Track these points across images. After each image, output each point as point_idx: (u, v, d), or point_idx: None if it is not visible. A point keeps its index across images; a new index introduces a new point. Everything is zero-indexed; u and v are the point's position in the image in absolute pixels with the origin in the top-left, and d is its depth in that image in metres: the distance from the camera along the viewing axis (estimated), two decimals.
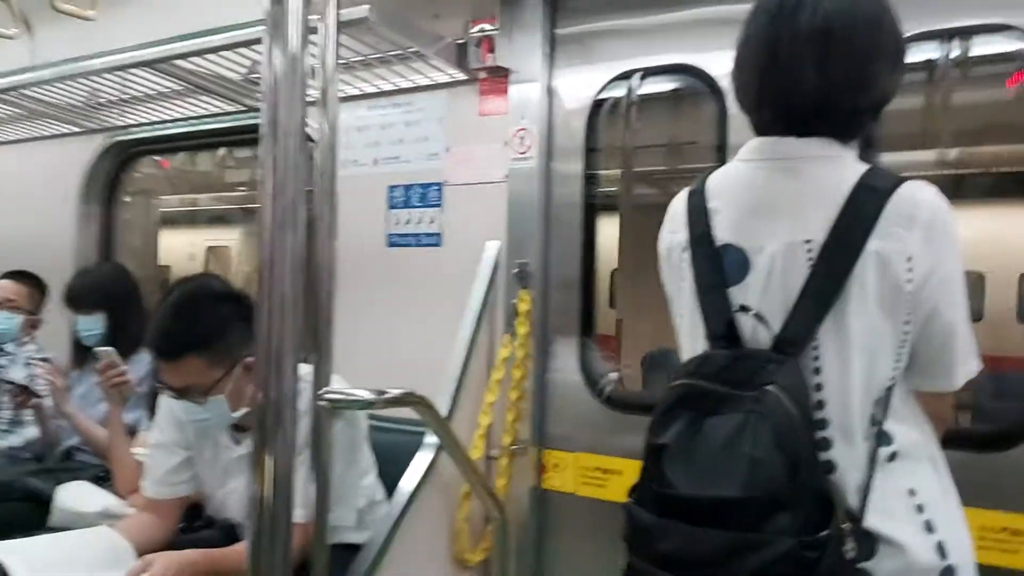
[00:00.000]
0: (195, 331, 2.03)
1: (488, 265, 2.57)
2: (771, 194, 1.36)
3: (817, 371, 1.30)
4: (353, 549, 2.15)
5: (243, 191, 5.17)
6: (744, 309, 1.34)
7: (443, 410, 2.32)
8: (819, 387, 1.29)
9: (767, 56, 1.36)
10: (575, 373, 2.49)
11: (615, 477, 2.37)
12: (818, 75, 1.31)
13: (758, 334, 1.34)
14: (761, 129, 1.42)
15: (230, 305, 2.10)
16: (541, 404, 2.53)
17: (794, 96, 1.34)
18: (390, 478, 2.33)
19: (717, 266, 1.38)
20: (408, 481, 2.25)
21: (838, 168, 1.33)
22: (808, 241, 1.30)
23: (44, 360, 3.25)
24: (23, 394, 3.03)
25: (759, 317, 1.33)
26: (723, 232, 1.39)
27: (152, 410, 2.51)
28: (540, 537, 2.51)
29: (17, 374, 3.18)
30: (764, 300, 1.33)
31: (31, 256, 3.82)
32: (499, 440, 2.50)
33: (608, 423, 2.42)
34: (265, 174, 1.11)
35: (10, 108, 3.63)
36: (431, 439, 2.30)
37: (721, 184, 1.43)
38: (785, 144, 1.37)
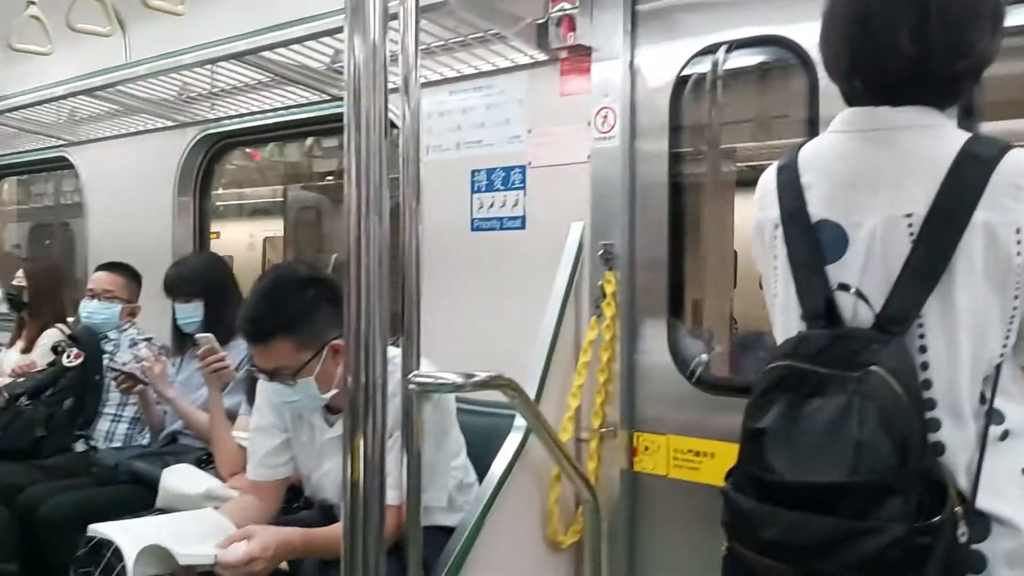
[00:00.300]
0: (282, 314, 2.08)
1: (573, 247, 2.55)
2: (868, 166, 1.31)
3: (923, 350, 1.25)
4: (445, 531, 2.18)
5: (331, 180, 5.26)
6: (844, 287, 1.30)
7: (531, 393, 2.32)
8: (925, 366, 1.25)
9: (858, 24, 1.32)
10: (664, 354, 2.45)
11: (709, 460, 2.33)
12: (913, 41, 1.26)
13: (859, 313, 1.30)
14: (853, 99, 1.37)
15: (316, 288, 2.14)
16: (630, 386, 2.50)
17: (889, 64, 1.30)
18: (478, 461, 2.35)
19: (813, 243, 1.34)
20: (498, 464, 2.25)
21: (938, 137, 1.28)
22: (909, 215, 1.25)
23: (147, 340, 3.39)
24: (128, 380, 3.15)
25: (860, 295, 1.28)
26: (818, 207, 1.34)
27: (251, 395, 2.59)
28: (632, 519, 2.49)
29: (122, 358, 3.32)
30: (864, 277, 1.29)
31: (133, 246, 3.99)
32: (588, 423, 2.49)
33: (700, 405, 2.38)
34: (349, 161, 1.12)
35: (107, 104, 3.77)
36: (520, 422, 2.31)
37: (814, 157, 1.39)
38: (880, 114, 1.32)
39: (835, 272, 1.32)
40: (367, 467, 1.11)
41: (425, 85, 2.77)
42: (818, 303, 1.32)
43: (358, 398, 1.11)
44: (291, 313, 2.09)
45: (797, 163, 1.39)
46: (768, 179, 1.44)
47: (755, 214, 1.47)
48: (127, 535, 2.01)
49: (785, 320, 1.40)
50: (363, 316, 1.10)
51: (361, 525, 1.11)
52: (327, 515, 2.38)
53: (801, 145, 1.43)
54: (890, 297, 1.26)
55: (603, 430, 2.48)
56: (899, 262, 1.26)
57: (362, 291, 1.10)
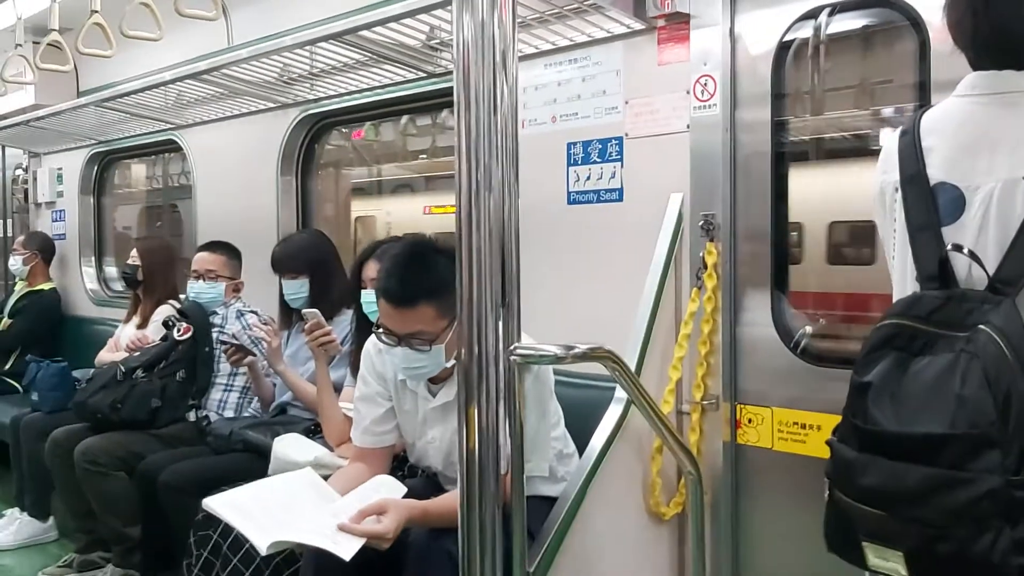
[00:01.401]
0: (430, 279, 2.11)
1: (672, 218, 2.53)
2: (989, 130, 1.31)
3: None
4: (548, 501, 2.21)
5: (424, 159, 5.30)
6: (958, 248, 1.31)
7: (631, 365, 2.32)
8: None
9: None
10: (768, 327, 2.41)
11: (815, 432, 2.29)
12: None
13: (973, 274, 1.30)
14: (978, 64, 1.36)
15: (449, 259, 2.17)
16: (732, 358, 2.47)
17: (1012, 29, 1.30)
18: (576, 433, 2.37)
19: (930, 205, 1.34)
20: (599, 436, 2.27)
21: None
22: None
23: (253, 312, 3.51)
24: (238, 352, 3.27)
25: (974, 256, 1.29)
26: (937, 170, 1.35)
27: (355, 367, 2.66)
28: (735, 492, 2.48)
29: (231, 329, 3.45)
30: (980, 239, 1.30)
31: (239, 225, 4.12)
32: (689, 395, 2.48)
33: (806, 377, 2.34)
34: (459, 139, 1.14)
35: (212, 88, 3.89)
36: (620, 394, 2.31)
37: (936, 121, 1.38)
38: (1005, 77, 1.31)
39: (951, 234, 1.33)
40: (482, 436, 1.13)
41: (521, 59, 2.76)
42: (932, 264, 1.34)
43: (472, 369, 1.14)
44: (437, 279, 2.10)
45: (919, 128, 1.39)
46: (890, 143, 1.45)
47: (876, 178, 1.47)
48: (237, 512, 2.07)
49: (902, 281, 1.41)
50: (475, 289, 1.12)
51: (477, 492, 1.13)
52: (432, 482, 2.44)
53: (923, 111, 1.42)
54: (1005, 258, 1.27)
55: (705, 402, 2.46)
56: (1015, 224, 1.26)
57: (473, 265, 1.12)
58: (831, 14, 2.35)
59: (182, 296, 4.05)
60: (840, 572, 1.57)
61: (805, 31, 2.39)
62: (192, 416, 3.50)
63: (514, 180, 1.84)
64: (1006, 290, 1.26)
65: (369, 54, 3.18)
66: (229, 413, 3.51)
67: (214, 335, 3.54)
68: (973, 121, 1.34)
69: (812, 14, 2.37)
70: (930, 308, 1.30)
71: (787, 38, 2.41)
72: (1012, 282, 1.26)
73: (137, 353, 3.61)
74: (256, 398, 3.52)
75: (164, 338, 3.55)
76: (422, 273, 2.11)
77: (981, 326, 1.22)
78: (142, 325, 4.04)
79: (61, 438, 3.56)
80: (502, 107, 1.82)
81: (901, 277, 1.42)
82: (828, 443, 1.39)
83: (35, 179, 6.05)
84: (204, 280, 3.60)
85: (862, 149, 2.69)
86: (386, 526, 1.99)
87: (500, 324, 1.38)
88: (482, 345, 1.14)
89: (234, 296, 3.67)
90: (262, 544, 1.93)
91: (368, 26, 2.87)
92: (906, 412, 1.24)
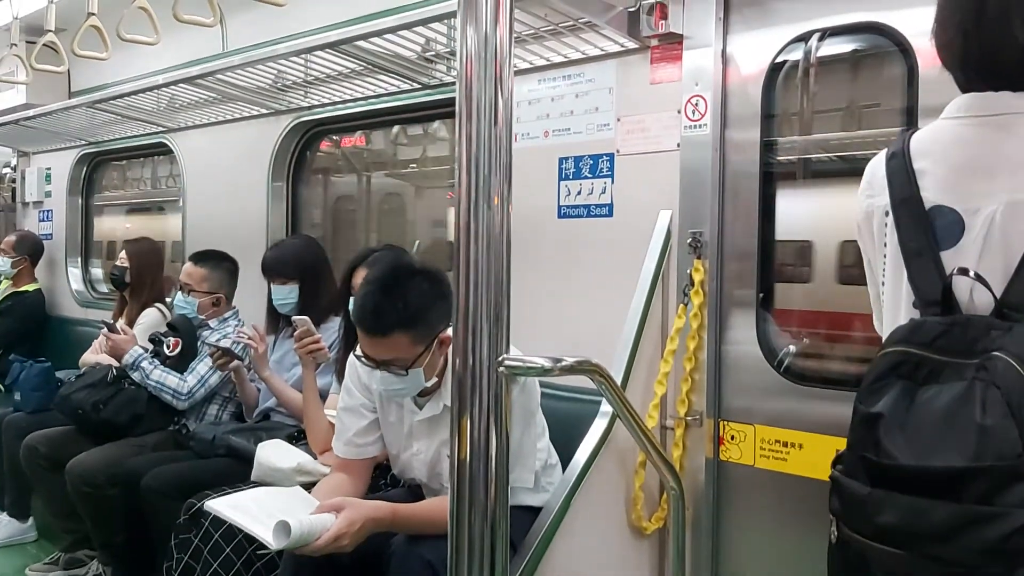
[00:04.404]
0: (404, 309, 2.12)
1: (661, 234, 2.56)
2: (986, 152, 1.31)
3: None
4: (531, 512, 2.22)
5: (414, 168, 5.31)
6: (963, 272, 1.28)
7: (616, 379, 2.33)
8: None
9: (972, 12, 1.31)
10: (752, 344, 2.44)
11: (796, 451, 2.32)
12: None
13: (975, 299, 1.28)
14: (968, 86, 1.36)
15: (431, 283, 2.19)
16: (716, 375, 2.49)
17: (1003, 52, 1.29)
18: (560, 445, 2.39)
19: (927, 229, 1.32)
20: (584, 449, 2.29)
21: None
22: None
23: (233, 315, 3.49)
24: (224, 356, 3.26)
25: (980, 279, 1.26)
26: (932, 193, 1.33)
27: (340, 375, 2.67)
28: (717, 508, 2.50)
29: (213, 337, 3.44)
30: (982, 263, 1.27)
31: (229, 230, 4.12)
32: (673, 410, 2.50)
33: (789, 395, 2.36)
34: (460, 150, 1.15)
35: (205, 92, 3.89)
36: (606, 408, 2.33)
37: (926, 144, 1.38)
38: (1001, 99, 1.31)
39: (950, 259, 1.30)
40: (473, 447, 1.15)
41: (516, 74, 2.79)
42: (934, 290, 1.30)
43: (466, 380, 1.15)
44: (411, 309, 2.13)
45: (908, 150, 1.38)
46: (877, 166, 1.44)
47: (862, 202, 1.46)
48: (242, 513, 2.08)
49: (894, 308, 1.39)
50: (471, 301, 1.14)
51: (467, 502, 1.15)
52: (415, 494, 2.45)
53: (910, 133, 1.41)
54: (1011, 282, 1.24)
55: (689, 418, 2.49)
56: (1020, 247, 1.24)
57: (470, 276, 1.13)
58: (821, 38, 2.39)
59: (168, 300, 4.05)
60: None
61: (796, 54, 2.43)
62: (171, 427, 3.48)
63: (508, 192, 1.87)
64: (1014, 315, 1.22)
65: (365, 64, 3.20)
66: (207, 422, 3.49)
67: (198, 345, 3.52)
68: (967, 143, 1.33)
69: (803, 38, 2.41)
70: (934, 335, 1.26)
71: (778, 60, 2.44)
72: (1021, 307, 1.23)
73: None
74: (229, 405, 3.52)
75: (155, 354, 3.50)
76: (397, 302, 2.12)
77: (996, 352, 1.18)
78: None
79: (35, 442, 3.55)
80: (500, 120, 1.86)
81: (894, 303, 1.39)
82: (832, 478, 1.33)
83: (23, 178, 6.02)
84: (183, 292, 3.57)
85: (850, 171, 2.73)
86: (339, 525, 1.99)
87: (491, 335, 1.40)
88: (477, 356, 1.16)
89: (213, 311, 3.55)
90: (275, 541, 1.93)
91: (364, 36, 2.89)
92: (920, 444, 1.19)
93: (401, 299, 2.13)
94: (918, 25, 2.14)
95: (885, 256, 1.40)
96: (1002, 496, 1.13)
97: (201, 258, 3.61)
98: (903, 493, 1.20)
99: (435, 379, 2.26)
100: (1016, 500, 1.13)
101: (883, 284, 1.42)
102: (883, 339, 1.39)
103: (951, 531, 1.15)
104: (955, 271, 1.29)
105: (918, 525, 1.18)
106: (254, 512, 2.07)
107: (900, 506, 1.20)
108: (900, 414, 1.23)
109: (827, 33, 2.38)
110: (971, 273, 1.27)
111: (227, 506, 2.11)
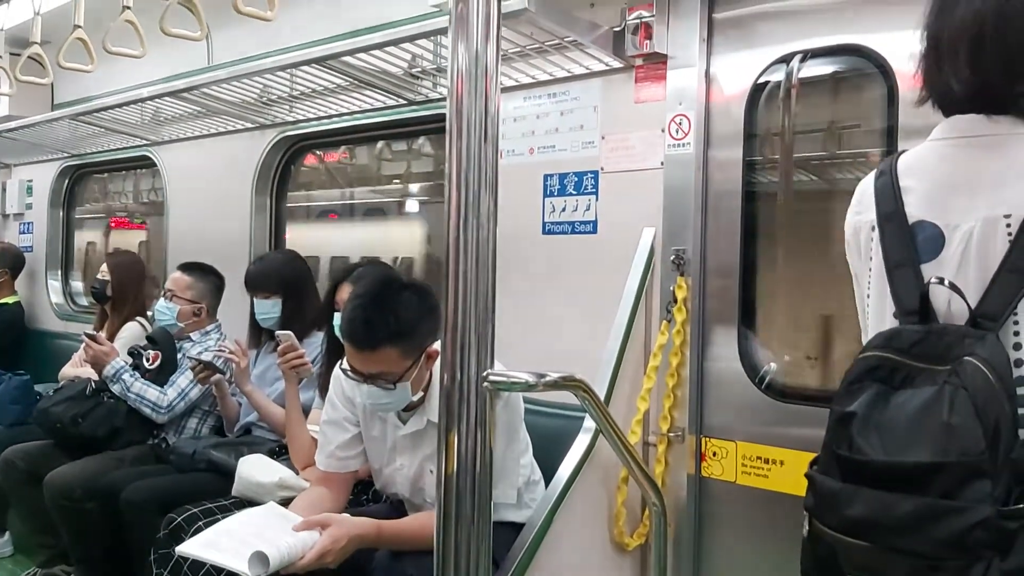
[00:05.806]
0: (394, 323, 2.13)
1: (644, 252, 2.58)
2: (968, 169, 1.35)
3: (1017, 347, 1.28)
4: (514, 528, 2.22)
5: (397, 184, 5.32)
6: (940, 281, 1.32)
7: (600, 395, 2.35)
8: (1019, 363, 1.27)
9: (931, 47, 1.39)
10: (735, 361, 2.46)
11: (777, 468, 2.33)
12: (969, 65, 1.33)
13: (952, 309, 1.32)
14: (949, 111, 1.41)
15: (419, 297, 2.20)
16: (699, 391, 2.51)
17: (951, 85, 1.36)
18: (543, 461, 2.40)
19: (909, 242, 1.37)
20: (567, 465, 2.29)
21: None
22: (1008, 216, 1.28)
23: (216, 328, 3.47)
24: (205, 369, 3.24)
25: (954, 287, 1.30)
26: (916, 209, 1.38)
27: (323, 389, 2.66)
28: (698, 524, 2.51)
29: (195, 350, 3.42)
30: (959, 275, 1.32)
31: (212, 243, 4.10)
32: (656, 427, 2.51)
33: (771, 413, 2.38)
34: (450, 166, 1.16)
35: (190, 106, 3.89)
36: (589, 423, 2.34)
37: (914, 164, 1.42)
38: (981, 120, 1.36)
39: (930, 271, 1.34)
40: (460, 462, 1.15)
41: (502, 91, 2.81)
42: (912, 299, 1.35)
43: (454, 395, 1.16)
44: (401, 323, 2.14)
45: (896, 169, 1.43)
46: (866, 184, 1.48)
47: (850, 219, 1.50)
48: (214, 550, 2.04)
49: (878, 319, 1.43)
50: (460, 316, 1.15)
51: (454, 517, 1.15)
52: (397, 509, 2.44)
53: (899, 154, 1.46)
54: (986, 293, 1.29)
55: (671, 434, 2.50)
56: (996, 261, 1.28)
57: (459, 292, 1.14)
58: (803, 60, 2.43)
59: (149, 314, 4.02)
60: None
61: (778, 75, 2.47)
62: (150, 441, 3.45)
63: (493, 208, 1.89)
64: (987, 324, 1.27)
65: (350, 79, 3.21)
66: (187, 436, 3.46)
67: (180, 354, 3.50)
68: (951, 162, 1.37)
69: (785, 59, 2.44)
70: (911, 341, 1.30)
71: (760, 81, 2.48)
72: (994, 317, 1.27)
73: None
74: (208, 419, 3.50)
75: (134, 367, 3.46)
76: (386, 316, 2.13)
77: (967, 357, 1.22)
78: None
79: (13, 456, 3.51)
80: (488, 137, 1.87)
81: (878, 314, 1.43)
82: (808, 475, 1.36)
83: (4, 190, 5.97)
84: (166, 299, 3.56)
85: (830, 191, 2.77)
86: (323, 542, 2.00)
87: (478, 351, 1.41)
88: (465, 371, 1.16)
89: (193, 320, 3.54)
90: (251, 572, 1.92)
91: (351, 52, 2.90)
92: (892, 441, 1.23)
93: (391, 313, 2.13)
94: (898, 47, 2.18)
95: (871, 270, 1.44)
96: (964, 491, 1.17)
97: (189, 268, 3.62)
98: (872, 488, 1.24)
99: (420, 393, 2.26)
100: (977, 495, 1.17)
101: (868, 297, 1.45)
102: None
103: (915, 523, 1.19)
104: (932, 280, 1.33)
105: (885, 518, 1.22)
106: (225, 546, 2.03)
107: (868, 499, 1.24)
108: (874, 414, 1.27)
109: (809, 55, 2.42)
110: (946, 282, 1.31)
111: (199, 546, 2.07)
